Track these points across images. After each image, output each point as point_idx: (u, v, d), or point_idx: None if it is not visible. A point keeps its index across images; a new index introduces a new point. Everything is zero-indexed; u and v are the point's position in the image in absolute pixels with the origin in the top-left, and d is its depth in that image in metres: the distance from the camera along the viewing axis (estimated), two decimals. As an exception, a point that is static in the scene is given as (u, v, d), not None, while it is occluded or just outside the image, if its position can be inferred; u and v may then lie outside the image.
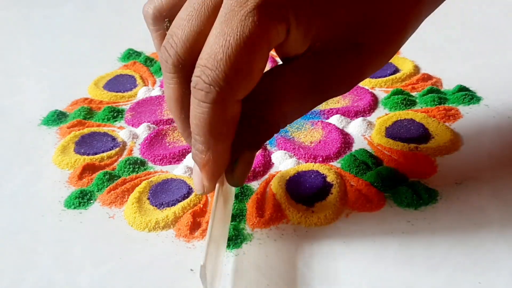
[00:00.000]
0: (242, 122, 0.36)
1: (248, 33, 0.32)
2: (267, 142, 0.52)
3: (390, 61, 0.61)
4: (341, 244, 0.42)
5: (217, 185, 0.38)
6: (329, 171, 0.48)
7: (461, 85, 0.57)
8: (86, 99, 0.61)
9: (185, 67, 0.35)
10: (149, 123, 0.56)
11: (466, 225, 0.43)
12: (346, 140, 0.51)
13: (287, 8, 0.33)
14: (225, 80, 0.32)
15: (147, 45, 0.72)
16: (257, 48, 0.33)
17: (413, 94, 0.57)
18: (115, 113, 0.58)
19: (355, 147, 0.51)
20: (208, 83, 0.33)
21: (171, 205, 0.46)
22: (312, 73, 0.37)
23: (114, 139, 0.54)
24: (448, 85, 0.58)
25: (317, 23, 0.35)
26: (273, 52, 0.68)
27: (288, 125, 0.54)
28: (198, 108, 0.34)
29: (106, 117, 0.58)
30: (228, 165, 0.37)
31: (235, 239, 0.43)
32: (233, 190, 0.44)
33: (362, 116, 0.54)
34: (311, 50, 0.36)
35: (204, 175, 0.37)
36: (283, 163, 0.49)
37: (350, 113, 0.55)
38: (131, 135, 0.55)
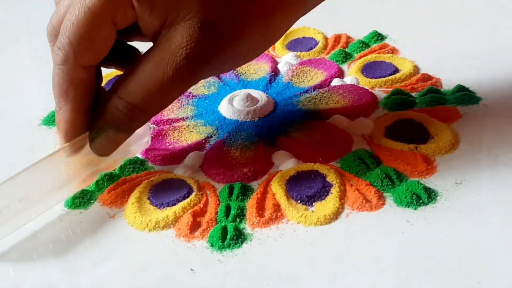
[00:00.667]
0: (108, 101, 0.40)
1: (90, 4, 0.36)
2: (267, 142, 0.52)
3: (390, 61, 0.62)
4: (341, 244, 0.42)
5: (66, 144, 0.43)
6: (329, 171, 0.48)
7: (460, 85, 0.57)
8: None
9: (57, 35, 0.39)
10: (149, 123, 0.56)
11: (466, 225, 0.43)
12: (346, 140, 0.51)
13: None
14: (69, 45, 0.37)
15: (147, 45, 0.72)
16: (99, 18, 0.37)
17: (413, 94, 0.57)
18: None
19: (355, 147, 0.51)
20: (58, 47, 0.38)
21: (171, 205, 0.46)
22: (165, 54, 0.39)
23: None
24: (447, 85, 0.58)
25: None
26: (273, 52, 0.69)
27: (291, 127, 0.54)
28: (53, 69, 0.40)
29: None
30: (91, 133, 0.42)
31: (235, 239, 0.43)
32: (111, 160, 0.49)
33: (362, 116, 0.55)
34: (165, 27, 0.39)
35: (58, 132, 0.43)
36: (283, 163, 0.50)
37: (350, 113, 0.55)
38: None
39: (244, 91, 0.57)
